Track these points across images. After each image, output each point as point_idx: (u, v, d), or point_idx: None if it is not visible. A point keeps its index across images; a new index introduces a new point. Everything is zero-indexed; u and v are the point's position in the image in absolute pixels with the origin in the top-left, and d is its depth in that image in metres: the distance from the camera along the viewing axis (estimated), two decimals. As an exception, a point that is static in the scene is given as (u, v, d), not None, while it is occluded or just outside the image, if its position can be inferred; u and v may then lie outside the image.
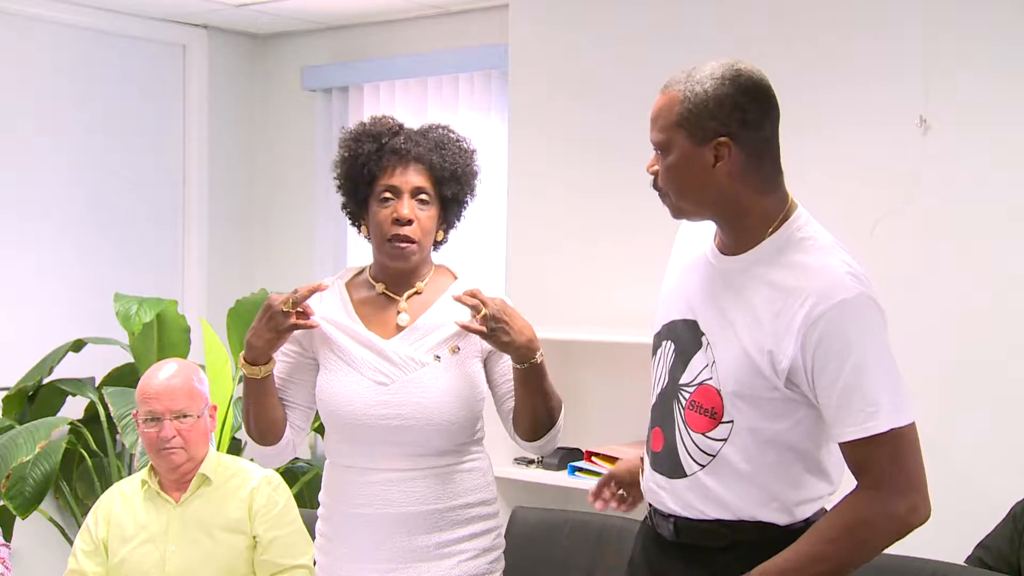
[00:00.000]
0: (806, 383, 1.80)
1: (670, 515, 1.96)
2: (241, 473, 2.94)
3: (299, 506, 2.98)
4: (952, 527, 3.16)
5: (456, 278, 2.35)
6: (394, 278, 2.30)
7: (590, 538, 3.02)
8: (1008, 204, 3.21)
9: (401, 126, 2.32)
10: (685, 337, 1.93)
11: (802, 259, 1.83)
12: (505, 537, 2.38)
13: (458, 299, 2.19)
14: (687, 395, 1.90)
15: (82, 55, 4.69)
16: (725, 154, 1.81)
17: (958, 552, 2.84)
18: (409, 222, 2.24)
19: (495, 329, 2.14)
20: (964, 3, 3.26)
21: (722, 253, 1.92)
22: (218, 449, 3.10)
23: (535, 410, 2.24)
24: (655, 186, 1.97)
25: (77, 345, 4.29)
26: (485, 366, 2.30)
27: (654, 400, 2.00)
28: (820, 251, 1.85)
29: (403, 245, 2.24)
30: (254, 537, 2.87)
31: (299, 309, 2.19)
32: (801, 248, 1.85)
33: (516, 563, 2.48)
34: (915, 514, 1.79)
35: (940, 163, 3.28)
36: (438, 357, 2.23)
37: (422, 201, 2.26)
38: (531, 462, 3.77)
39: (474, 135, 2.49)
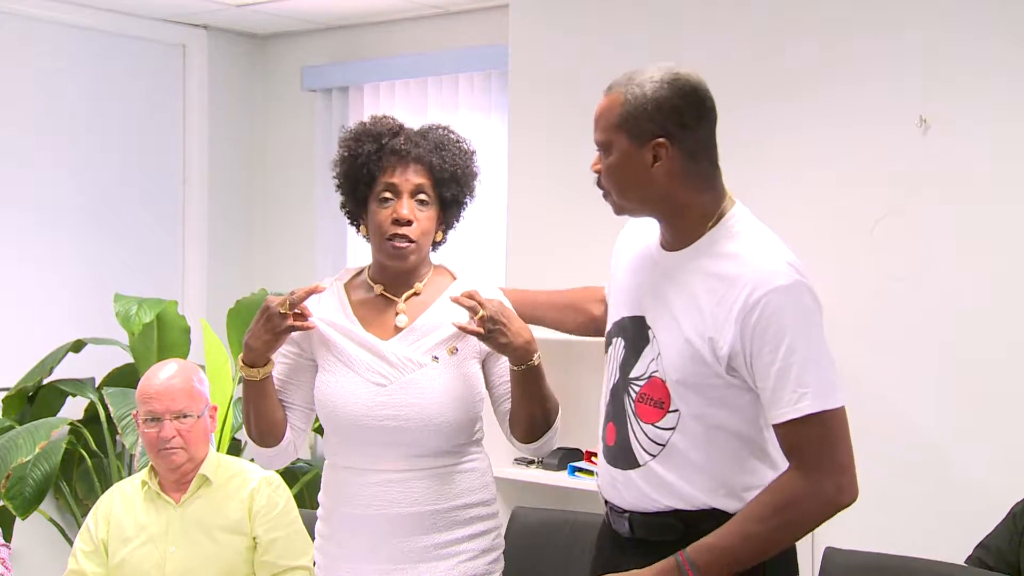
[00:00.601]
0: (745, 368, 1.88)
1: (625, 511, 2.02)
2: (241, 474, 2.94)
3: (299, 506, 2.97)
4: (952, 527, 3.17)
5: (455, 278, 2.35)
6: (393, 279, 2.30)
7: (590, 538, 3.01)
8: (1007, 203, 3.21)
9: (401, 126, 2.32)
10: (634, 333, 2.01)
11: (740, 250, 1.91)
12: (505, 537, 2.38)
13: (456, 300, 2.19)
14: (637, 388, 1.98)
15: (82, 55, 4.70)
16: (663, 154, 1.90)
17: (958, 552, 2.84)
18: (409, 222, 2.23)
19: (493, 331, 2.14)
20: (964, 3, 3.26)
21: (665, 250, 2.01)
22: (218, 450, 3.10)
23: (532, 412, 2.24)
24: (598, 184, 2.05)
25: (77, 345, 4.29)
26: (483, 367, 2.30)
27: (607, 397, 2.07)
28: (757, 243, 1.93)
29: (402, 245, 2.24)
30: (254, 538, 2.87)
31: (297, 311, 2.18)
32: (739, 240, 1.93)
33: (516, 563, 2.48)
34: (842, 494, 1.86)
35: (940, 163, 3.28)
36: (436, 358, 2.23)
37: (421, 201, 2.26)
38: (531, 462, 3.76)
39: (474, 135, 2.48)
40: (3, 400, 4.26)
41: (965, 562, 2.81)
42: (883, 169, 3.37)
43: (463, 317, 2.19)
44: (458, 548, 2.25)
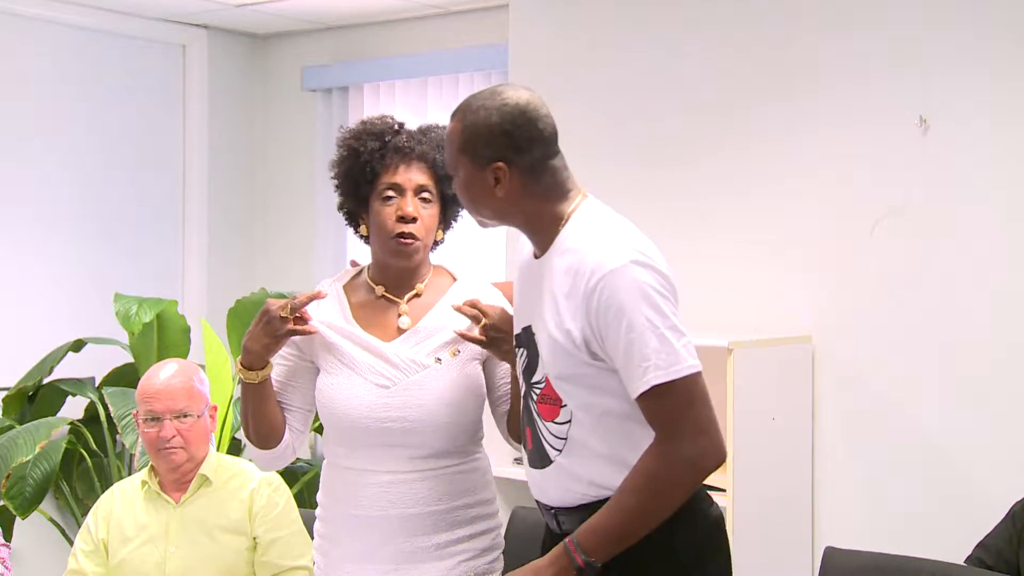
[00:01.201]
0: (601, 351, 1.96)
1: (551, 507, 2.10)
2: (241, 474, 2.94)
3: (299, 506, 2.97)
4: (952, 527, 3.18)
5: (455, 279, 2.35)
6: (394, 279, 2.30)
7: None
8: (1007, 203, 3.21)
9: (402, 125, 2.33)
10: (527, 341, 2.10)
11: (578, 243, 2.01)
12: (505, 537, 2.38)
13: (457, 309, 2.21)
14: (538, 391, 2.07)
15: (82, 55, 4.70)
16: (503, 176, 2.02)
17: (958, 552, 2.84)
18: (414, 219, 2.24)
19: (495, 339, 2.18)
20: (964, 2, 3.26)
21: (535, 258, 2.11)
22: (218, 449, 3.10)
23: None
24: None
25: (77, 345, 4.29)
26: (484, 368, 2.30)
27: (523, 404, 2.15)
28: (593, 232, 2.03)
29: (408, 242, 2.23)
30: (254, 538, 2.87)
31: (297, 315, 2.18)
32: (578, 234, 2.03)
33: (516, 563, 2.47)
34: (704, 457, 1.91)
35: (940, 162, 3.28)
36: (439, 359, 2.23)
37: (424, 199, 2.26)
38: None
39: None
40: (3, 400, 4.26)
41: (965, 562, 2.81)
42: (883, 168, 3.37)
43: (463, 323, 2.21)
44: (459, 548, 2.25)
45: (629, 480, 1.94)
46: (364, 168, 2.26)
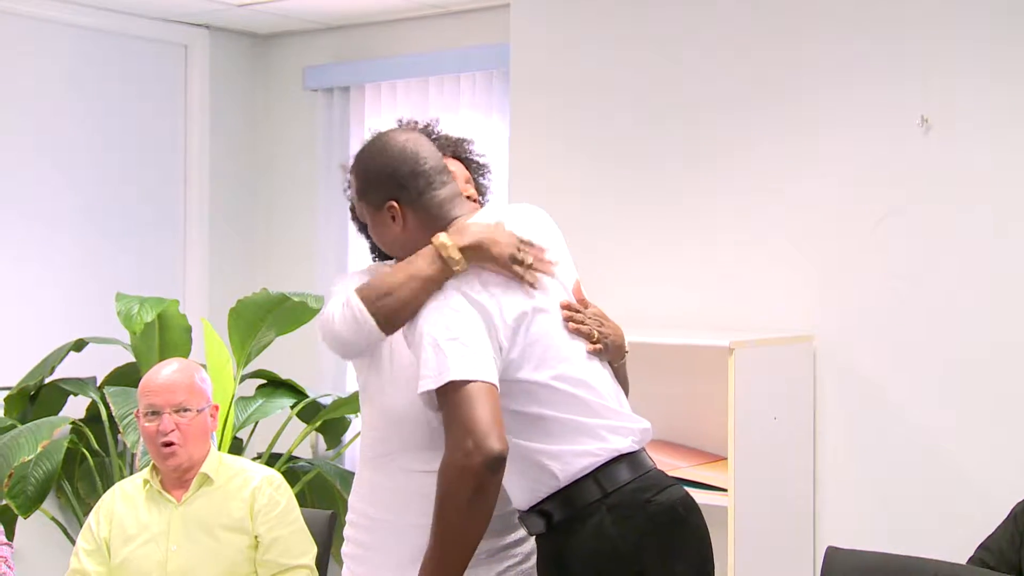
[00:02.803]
0: None
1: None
2: (243, 473, 2.94)
3: (300, 506, 2.98)
4: (954, 527, 3.18)
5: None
6: None
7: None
8: (1009, 203, 3.21)
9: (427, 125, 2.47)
10: None
11: None
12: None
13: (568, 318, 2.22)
14: None
15: (83, 55, 4.70)
16: (397, 213, 2.18)
17: (960, 552, 2.84)
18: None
19: (604, 340, 2.22)
20: (965, 3, 3.26)
21: None
22: (219, 449, 3.10)
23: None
24: None
25: (79, 345, 4.29)
26: None
27: None
28: None
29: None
30: (256, 537, 2.87)
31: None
32: None
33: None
34: (470, 456, 1.91)
35: (941, 162, 3.29)
36: None
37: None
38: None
39: (475, 135, 2.54)
40: (5, 399, 4.26)
41: (967, 562, 2.81)
42: (884, 169, 3.37)
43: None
44: (509, 552, 2.25)
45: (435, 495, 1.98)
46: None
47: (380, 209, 2.19)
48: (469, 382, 1.96)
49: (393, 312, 2.09)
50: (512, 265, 2.12)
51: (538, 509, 2.11)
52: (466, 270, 2.10)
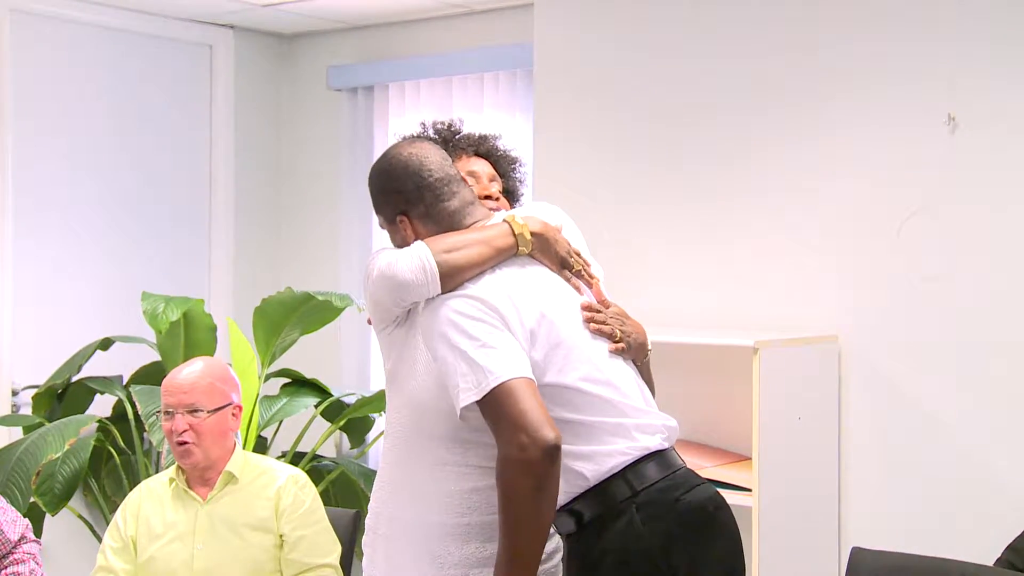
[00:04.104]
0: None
1: None
2: (268, 472, 2.95)
3: (324, 505, 2.99)
4: (980, 528, 3.15)
5: None
6: None
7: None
8: (1037, 203, 3.18)
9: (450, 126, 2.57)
10: None
11: None
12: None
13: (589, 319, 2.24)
14: None
15: (109, 56, 4.72)
16: (407, 225, 2.26)
17: (986, 553, 2.83)
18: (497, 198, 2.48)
19: (627, 340, 2.25)
20: (990, 2, 3.24)
21: None
22: (244, 448, 3.11)
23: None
24: None
25: (105, 344, 4.32)
26: None
27: None
28: None
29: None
30: (280, 536, 2.89)
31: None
32: None
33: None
34: (526, 450, 1.95)
35: (968, 162, 3.26)
36: None
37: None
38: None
39: (499, 134, 2.56)
40: (33, 397, 4.29)
41: (994, 564, 2.80)
42: (910, 168, 3.35)
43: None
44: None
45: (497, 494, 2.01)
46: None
47: (393, 223, 2.28)
48: (506, 381, 1.99)
49: (457, 268, 2.13)
50: (563, 268, 2.24)
51: (568, 509, 2.11)
52: (526, 254, 2.19)
